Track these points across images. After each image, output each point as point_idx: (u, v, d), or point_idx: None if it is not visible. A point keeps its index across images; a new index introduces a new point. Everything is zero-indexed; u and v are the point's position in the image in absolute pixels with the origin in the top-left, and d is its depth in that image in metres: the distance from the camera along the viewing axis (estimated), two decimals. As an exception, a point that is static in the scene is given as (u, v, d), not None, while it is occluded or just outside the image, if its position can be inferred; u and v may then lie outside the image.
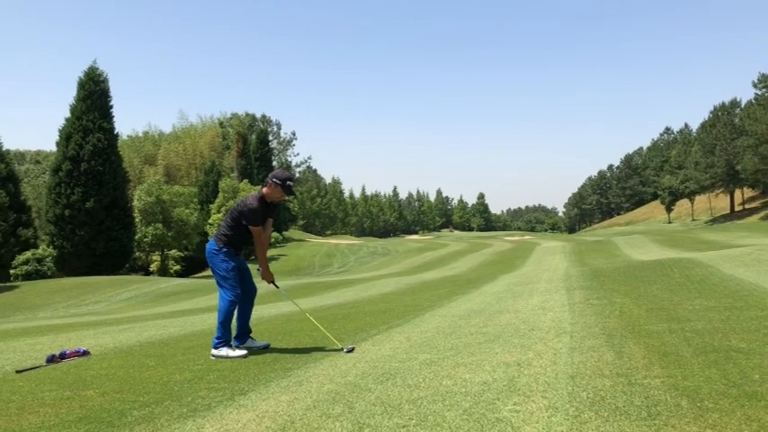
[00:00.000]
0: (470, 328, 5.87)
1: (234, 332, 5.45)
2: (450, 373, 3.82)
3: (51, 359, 5.51)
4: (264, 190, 5.27)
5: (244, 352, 5.16)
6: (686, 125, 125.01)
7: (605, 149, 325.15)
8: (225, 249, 5.27)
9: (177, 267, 46.34)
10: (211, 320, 9.24)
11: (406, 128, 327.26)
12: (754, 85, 72.23)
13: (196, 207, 47.14)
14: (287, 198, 5.38)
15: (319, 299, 12.98)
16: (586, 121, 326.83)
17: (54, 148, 39.76)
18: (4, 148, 38.76)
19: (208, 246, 5.41)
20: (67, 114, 36.97)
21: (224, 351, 5.13)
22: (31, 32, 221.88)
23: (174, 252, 46.17)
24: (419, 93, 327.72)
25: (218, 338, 5.20)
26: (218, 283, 5.34)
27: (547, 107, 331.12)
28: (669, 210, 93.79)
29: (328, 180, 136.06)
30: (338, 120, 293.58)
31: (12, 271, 33.74)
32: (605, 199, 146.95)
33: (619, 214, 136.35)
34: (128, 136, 69.44)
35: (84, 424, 3.18)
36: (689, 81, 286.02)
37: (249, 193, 23.49)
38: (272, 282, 5.43)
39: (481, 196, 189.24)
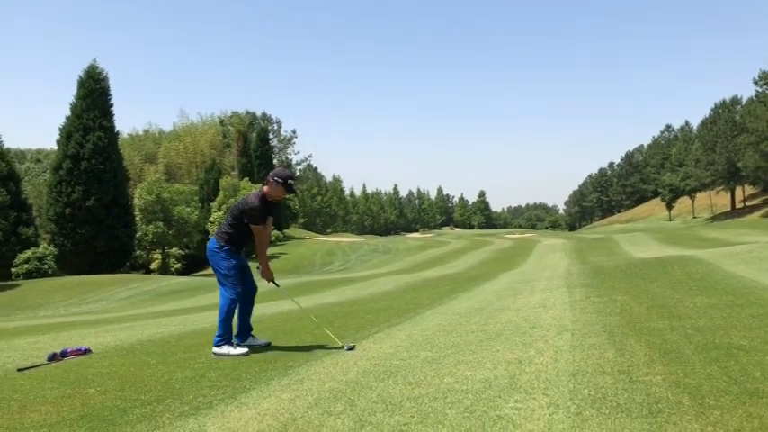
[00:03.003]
0: (471, 325, 5.87)
1: (234, 330, 5.45)
2: (452, 371, 3.82)
3: (53, 357, 5.51)
4: (265, 189, 5.26)
5: (245, 350, 5.17)
6: (687, 122, 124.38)
7: (606, 147, 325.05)
8: (226, 247, 5.27)
9: (178, 266, 46.41)
10: (212, 318, 9.24)
11: (407, 126, 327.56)
12: (755, 83, 71.88)
13: (197, 205, 47.22)
14: (287, 197, 5.40)
15: (320, 297, 12.99)
16: (587, 119, 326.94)
17: (55, 147, 39.86)
18: (4, 147, 38.82)
19: (209, 244, 5.41)
20: (68, 113, 37.02)
21: (225, 349, 5.14)
22: (32, 31, 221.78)
23: (174, 250, 46.22)
24: (420, 91, 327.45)
25: (219, 336, 5.21)
26: (219, 281, 5.35)
27: (547, 105, 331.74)
28: (670, 207, 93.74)
29: (329, 178, 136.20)
30: (338, 118, 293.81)
31: (13, 269, 33.80)
32: (606, 196, 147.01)
33: (619, 212, 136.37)
34: (128, 134, 69.60)
35: (85, 422, 3.19)
36: (690, 78, 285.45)
37: (250, 191, 23.49)
38: (272, 280, 5.44)
39: (482, 194, 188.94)
